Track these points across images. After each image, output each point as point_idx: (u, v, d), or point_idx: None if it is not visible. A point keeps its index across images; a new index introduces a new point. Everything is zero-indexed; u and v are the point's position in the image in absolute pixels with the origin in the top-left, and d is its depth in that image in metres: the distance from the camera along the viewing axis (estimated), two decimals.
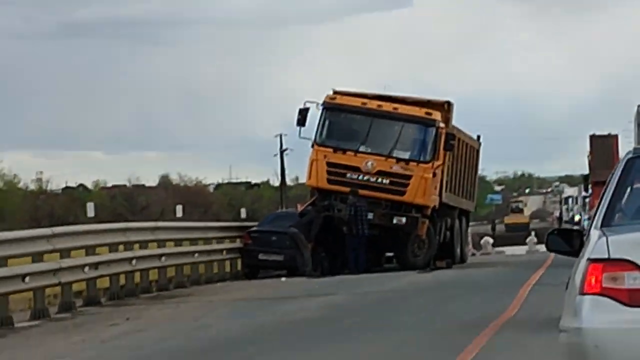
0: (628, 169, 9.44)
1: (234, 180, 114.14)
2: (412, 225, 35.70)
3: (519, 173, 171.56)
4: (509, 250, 68.73)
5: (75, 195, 73.01)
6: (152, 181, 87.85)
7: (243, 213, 41.13)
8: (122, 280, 27.88)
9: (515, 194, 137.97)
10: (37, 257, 23.73)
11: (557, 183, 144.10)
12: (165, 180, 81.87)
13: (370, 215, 35.04)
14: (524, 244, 69.83)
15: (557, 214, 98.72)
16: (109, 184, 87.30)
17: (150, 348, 18.35)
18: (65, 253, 25.13)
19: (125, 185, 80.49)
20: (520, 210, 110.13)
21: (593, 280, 7.72)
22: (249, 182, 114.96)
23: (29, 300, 23.29)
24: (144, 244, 30.20)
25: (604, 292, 7.67)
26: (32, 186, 70.99)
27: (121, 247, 28.44)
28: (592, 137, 47.02)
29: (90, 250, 26.34)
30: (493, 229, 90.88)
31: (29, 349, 18.58)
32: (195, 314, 24.17)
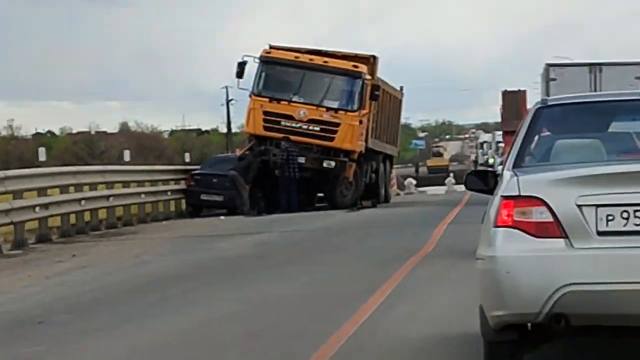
0: (536, 118, 9.89)
1: (187, 128, 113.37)
2: (340, 169, 35.15)
3: (440, 121, 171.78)
4: (430, 190, 69.37)
5: (43, 141, 71.68)
6: (112, 128, 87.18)
7: (187, 157, 40.28)
8: (72, 219, 27.17)
9: (436, 139, 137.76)
10: None
11: (473, 130, 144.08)
12: (124, 128, 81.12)
13: (302, 160, 34.48)
14: (444, 184, 69.30)
15: (473, 157, 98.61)
16: (74, 131, 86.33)
17: (91, 284, 17.74)
18: (17, 195, 24.38)
19: (88, 132, 79.40)
20: (441, 155, 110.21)
21: (505, 214, 8.25)
22: (200, 129, 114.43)
23: None
24: (93, 186, 29.46)
25: (515, 225, 8.18)
26: (4, 132, 69.90)
27: (72, 188, 27.74)
28: (504, 93, 47.30)
29: (42, 192, 25.65)
30: (416, 171, 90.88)
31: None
32: (136, 251, 23.58)
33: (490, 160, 76.05)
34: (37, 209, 24.68)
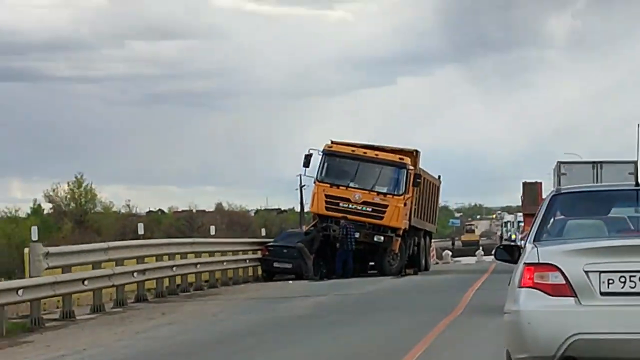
0: (551, 203, 10.20)
1: (269, 208, 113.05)
2: (388, 242, 34.24)
3: (473, 204, 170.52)
4: (464, 260, 68.09)
5: (154, 218, 71.95)
6: (209, 207, 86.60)
7: (263, 232, 39.62)
8: (166, 282, 26.45)
9: (469, 219, 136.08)
10: (97, 265, 22.47)
11: (499, 212, 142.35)
12: (219, 207, 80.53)
13: (356, 235, 33.58)
14: (475, 255, 68.20)
15: (499, 234, 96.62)
16: (180, 209, 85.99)
17: (172, 339, 16.84)
18: (119, 262, 23.83)
19: (190, 210, 79.27)
20: (473, 231, 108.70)
21: (527, 277, 8.53)
22: (279, 209, 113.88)
23: (90, 298, 21.98)
24: (184, 255, 28.62)
25: (535, 286, 8.49)
26: (123, 210, 69.76)
27: (165, 257, 26.91)
28: (524, 183, 46.32)
29: (140, 260, 25.04)
30: (452, 244, 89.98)
31: (78, 337, 17.22)
32: (215, 310, 22.61)
33: (513, 237, 74.72)
34: (135, 274, 23.90)
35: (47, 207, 61.13)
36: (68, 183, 60.50)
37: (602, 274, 8.38)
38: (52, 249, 20.99)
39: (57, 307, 20.03)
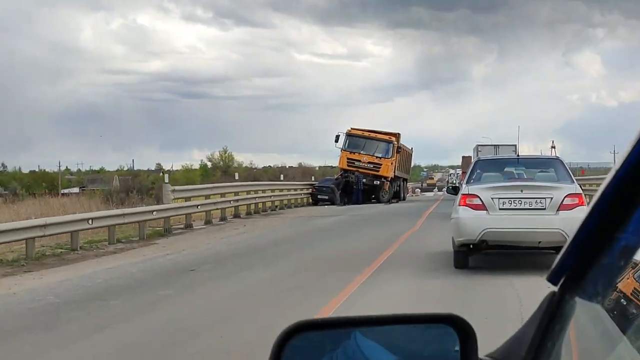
0: (475, 164, 10.66)
1: (326, 165, 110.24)
2: (382, 184, 32.13)
3: (433, 164, 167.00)
4: (427, 194, 64.44)
5: (263, 170, 68.02)
6: (294, 165, 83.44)
7: (312, 178, 37.70)
8: (252, 207, 24.07)
9: (431, 172, 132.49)
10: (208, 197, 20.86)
11: (448, 168, 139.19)
12: (299, 165, 76.93)
13: (364, 180, 31.58)
14: (432, 192, 66.21)
15: (447, 180, 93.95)
16: (279, 165, 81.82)
17: (242, 242, 14.54)
18: (223, 195, 22.04)
19: (283, 166, 76.21)
20: (432, 178, 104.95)
21: (463, 201, 9.13)
22: (330, 165, 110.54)
23: (203, 214, 19.82)
24: (265, 191, 26.88)
25: (466, 205, 9.06)
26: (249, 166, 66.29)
27: (252, 192, 24.93)
28: (463, 156, 44.65)
29: (236, 193, 23.28)
30: (421, 185, 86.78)
31: (185, 241, 15.23)
32: (276, 224, 20.18)
33: (454, 182, 72.52)
34: (231, 202, 21.86)
35: (208, 164, 59.95)
36: (219, 151, 59.72)
37: (499, 200, 8.89)
38: (177, 187, 19.62)
39: (180, 222, 18.23)
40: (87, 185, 48.15)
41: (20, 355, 5.37)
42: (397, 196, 35.46)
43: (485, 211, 8.84)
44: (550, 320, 0.88)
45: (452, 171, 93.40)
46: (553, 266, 0.92)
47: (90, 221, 13.02)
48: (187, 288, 8.37)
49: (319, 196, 30.85)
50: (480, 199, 8.89)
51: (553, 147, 46.60)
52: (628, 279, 0.82)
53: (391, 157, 32.58)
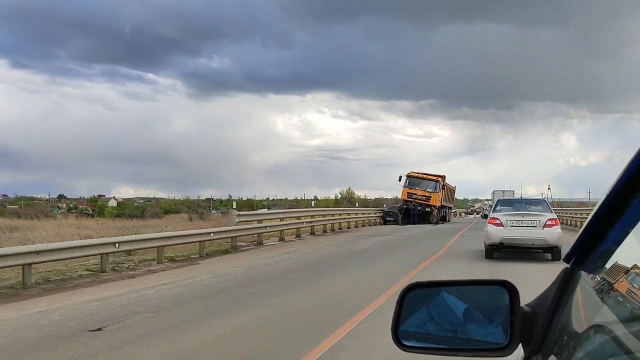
0: (497, 202, 12.50)
1: (391, 197, 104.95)
2: (431, 211, 29.93)
3: (475, 197, 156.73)
4: (469, 217, 60.28)
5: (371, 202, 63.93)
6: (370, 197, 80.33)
7: (385, 206, 35.62)
8: (328, 227, 20.84)
9: (473, 203, 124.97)
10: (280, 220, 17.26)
11: (485, 200, 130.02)
12: (376, 198, 71.50)
13: (419, 207, 29.76)
14: (473, 215, 62.67)
15: (483, 208, 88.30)
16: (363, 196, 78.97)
17: (295, 259, 11.11)
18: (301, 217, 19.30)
19: (385, 198, 70.67)
20: (474, 206, 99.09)
21: (489, 221, 10.77)
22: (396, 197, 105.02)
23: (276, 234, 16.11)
24: (342, 215, 24.42)
25: (491, 223, 10.64)
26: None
27: (330, 215, 22.69)
28: (493, 192, 40.25)
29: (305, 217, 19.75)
30: (466, 211, 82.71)
31: (255, 254, 12.10)
32: (337, 240, 15.96)
33: (487, 211, 67.52)
34: (304, 223, 18.49)
35: (339, 196, 53.85)
36: (346, 189, 54.22)
37: (510, 221, 10.47)
38: (242, 213, 16.21)
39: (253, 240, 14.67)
40: (270, 208, 48.40)
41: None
42: (443, 219, 33.44)
43: (502, 227, 10.59)
44: (564, 285, 1.00)
45: (486, 202, 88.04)
46: (568, 251, 1.01)
47: (171, 239, 11.07)
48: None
49: (387, 218, 29.43)
50: (500, 220, 10.66)
51: (549, 188, 50.73)
52: (622, 281, 0.83)
53: (438, 191, 30.71)
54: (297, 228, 17.21)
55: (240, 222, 14.12)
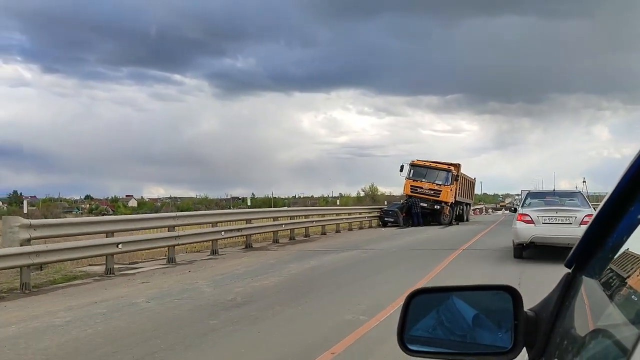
0: (526, 196, 12.43)
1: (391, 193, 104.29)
2: (441, 209, 28.28)
3: (506, 192, 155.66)
4: (498, 212, 63.75)
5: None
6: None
7: (385, 203, 34.24)
8: (328, 228, 20.44)
9: (503, 198, 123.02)
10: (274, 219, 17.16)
11: (515, 195, 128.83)
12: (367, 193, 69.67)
13: (424, 204, 27.79)
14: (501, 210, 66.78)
15: (512, 203, 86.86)
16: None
17: (285, 259, 11.63)
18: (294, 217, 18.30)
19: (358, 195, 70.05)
20: (504, 202, 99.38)
21: (518, 217, 10.85)
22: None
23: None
24: (331, 214, 23.54)
25: (521, 219, 10.70)
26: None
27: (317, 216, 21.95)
28: (522, 190, 41.38)
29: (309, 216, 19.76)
30: (495, 206, 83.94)
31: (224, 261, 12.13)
32: (330, 242, 16.48)
33: (516, 205, 65.96)
34: (313, 222, 18.18)
35: (362, 193, 56.83)
36: (369, 185, 56.03)
37: (542, 217, 10.66)
38: (37, 222, 15.07)
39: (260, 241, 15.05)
40: (291, 205, 49.29)
41: None
42: (460, 218, 31.34)
43: (533, 224, 10.65)
44: (566, 290, 1.12)
45: (517, 197, 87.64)
46: (568, 256, 1.18)
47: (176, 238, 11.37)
48: None
49: (385, 218, 28.07)
50: (530, 216, 10.72)
51: (584, 181, 55.70)
52: (623, 285, 0.94)
53: (450, 184, 29.10)
54: (273, 232, 16.19)
55: (34, 237, 8.60)
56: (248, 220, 14.56)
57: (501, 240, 15.39)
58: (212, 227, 12.76)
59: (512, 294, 1.12)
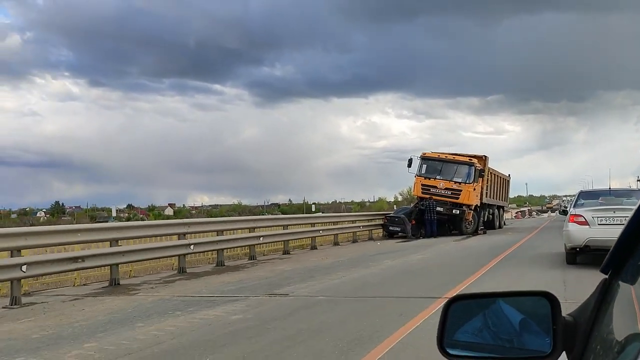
0: (579, 195, 12.58)
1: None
2: (462, 214, 25.56)
3: (553, 194, 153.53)
4: (544, 215, 64.65)
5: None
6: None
7: (394, 207, 32.43)
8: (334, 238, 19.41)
9: (551, 199, 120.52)
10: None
11: (564, 197, 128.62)
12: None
13: (440, 209, 25.09)
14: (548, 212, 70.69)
15: (561, 205, 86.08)
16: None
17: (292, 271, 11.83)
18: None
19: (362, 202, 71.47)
20: (551, 203, 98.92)
21: (570, 219, 10.90)
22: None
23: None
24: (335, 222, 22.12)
25: (573, 221, 10.78)
26: None
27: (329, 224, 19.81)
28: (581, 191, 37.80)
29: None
30: (541, 208, 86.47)
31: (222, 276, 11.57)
32: (337, 251, 17.09)
33: (566, 206, 65.04)
34: (320, 231, 17.13)
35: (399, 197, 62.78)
36: (407, 189, 58.14)
37: (597, 217, 10.73)
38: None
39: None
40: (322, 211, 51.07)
41: None
42: (489, 225, 27.92)
43: (587, 226, 10.90)
44: (604, 295, 1.26)
45: (565, 198, 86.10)
46: (604, 263, 1.31)
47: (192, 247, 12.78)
48: None
49: (390, 227, 25.99)
50: (584, 217, 10.98)
51: (639, 180, 58.34)
52: None
53: (473, 182, 26.59)
54: (250, 245, 15.61)
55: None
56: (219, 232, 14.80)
57: (535, 266, 11.80)
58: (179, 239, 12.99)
59: (550, 299, 1.29)
